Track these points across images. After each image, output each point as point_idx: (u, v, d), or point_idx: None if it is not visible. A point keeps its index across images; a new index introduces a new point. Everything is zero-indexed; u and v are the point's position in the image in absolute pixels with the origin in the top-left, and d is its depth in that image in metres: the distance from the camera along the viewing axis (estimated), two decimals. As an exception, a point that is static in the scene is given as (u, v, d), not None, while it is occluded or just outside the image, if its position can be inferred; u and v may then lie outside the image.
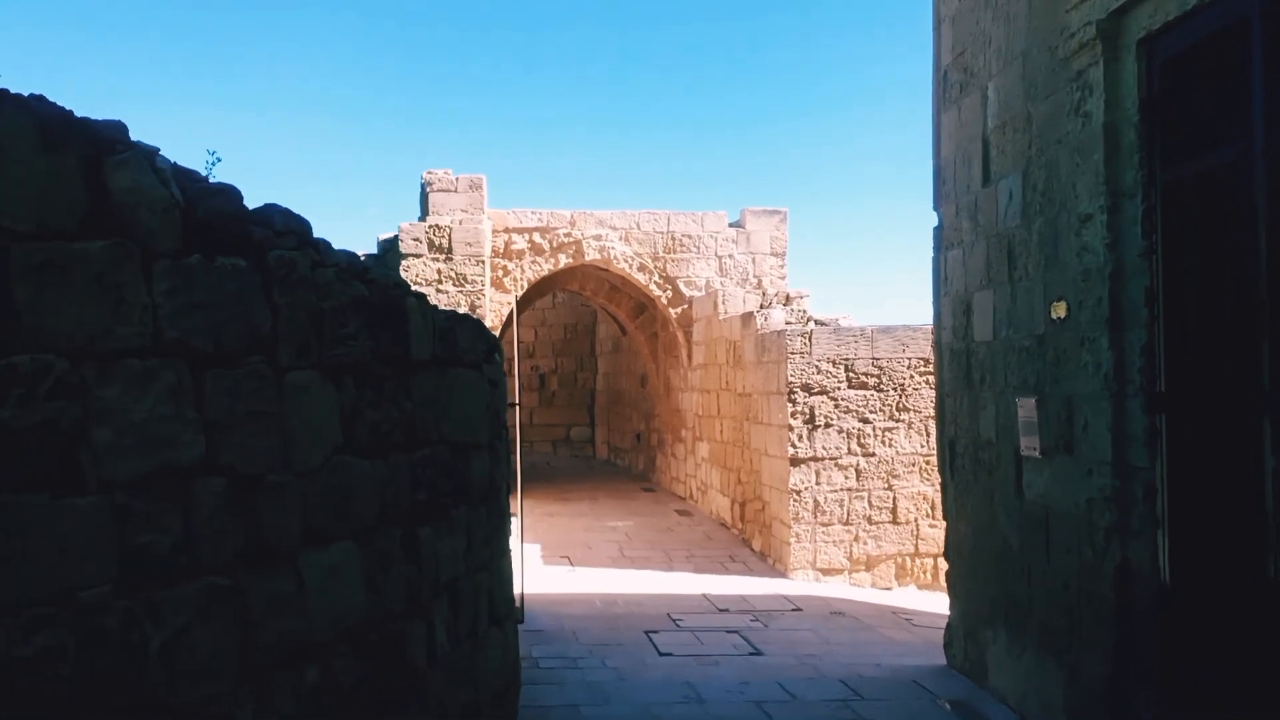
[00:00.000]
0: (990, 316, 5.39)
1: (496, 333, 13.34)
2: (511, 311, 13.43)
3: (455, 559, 3.80)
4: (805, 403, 9.40)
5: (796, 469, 9.39)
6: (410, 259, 8.88)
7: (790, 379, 9.40)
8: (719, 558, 10.19)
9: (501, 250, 13.76)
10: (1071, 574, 4.45)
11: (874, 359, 9.51)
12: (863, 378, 9.49)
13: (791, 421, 9.39)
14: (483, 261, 8.94)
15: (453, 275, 8.86)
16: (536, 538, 11.01)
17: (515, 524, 6.64)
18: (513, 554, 5.55)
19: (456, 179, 11.17)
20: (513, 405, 7.74)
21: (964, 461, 5.83)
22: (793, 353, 9.42)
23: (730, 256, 14.35)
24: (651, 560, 10.00)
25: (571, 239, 13.97)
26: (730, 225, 14.51)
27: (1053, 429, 4.64)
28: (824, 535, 9.39)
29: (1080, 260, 4.33)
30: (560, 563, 9.76)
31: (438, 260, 8.89)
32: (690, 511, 13.15)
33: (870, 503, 9.46)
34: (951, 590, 6.22)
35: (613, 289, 16.14)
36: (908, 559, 9.52)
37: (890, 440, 9.50)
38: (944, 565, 9.53)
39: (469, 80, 42.57)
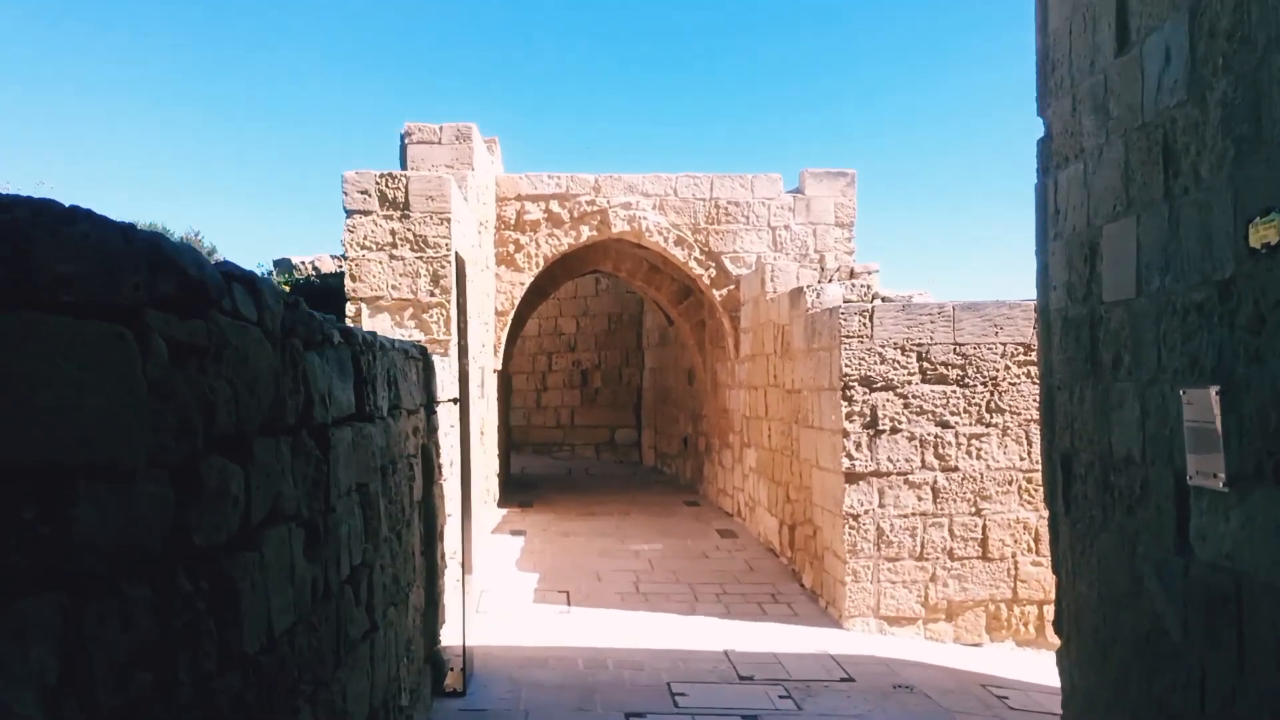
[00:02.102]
0: (1132, 260, 3.51)
1: (506, 319, 11.78)
2: (517, 296, 11.85)
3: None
4: (865, 401, 7.53)
5: (853, 486, 7.52)
6: (357, 217, 7.33)
7: (845, 370, 7.53)
8: (757, 597, 8.37)
9: (513, 221, 12.20)
10: (1297, 706, 2.57)
11: (956, 345, 7.57)
12: (941, 369, 7.56)
13: (847, 425, 7.52)
14: (447, 220, 7.31)
15: (409, 237, 7.28)
16: (538, 565, 9.38)
17: (499, 545, 4.99)
18: (476, 592, 3.88)
19: (440, 129, 9.62)
20: (456, 400, 6.10)
21: (1086, 489, 3.95)
22: (848, 336, 7.55)
23: (786, 227, 12.48)
24: (671, 599, 8.25)
25: (595, 208, 12.31)
26: (786, 192, 12.63)
27: (1251, 441, 2.77)
28: (889, 573, 7.50)
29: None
30: (555, 601, 8.09)
31: (391, 218, 7.31)
32: (735, 533, 11.33)
33: (952, 532, 7.53)
34: (1065, 677, 4.34)
35: (652, 269, 14.43)
36: (1002, 606, 7.56)
37: (978, 450, 7.55)
38: (1050, 613, 7.55)
39: (485, 33, 41.12)
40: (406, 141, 9.53)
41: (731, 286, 12.42)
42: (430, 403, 5.68)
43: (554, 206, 12.24)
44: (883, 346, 7.55)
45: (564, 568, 9.34)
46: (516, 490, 14.75)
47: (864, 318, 7.58)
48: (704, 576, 9.08)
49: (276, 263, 17.98)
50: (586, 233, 12.33)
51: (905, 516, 7.53)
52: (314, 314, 3.01)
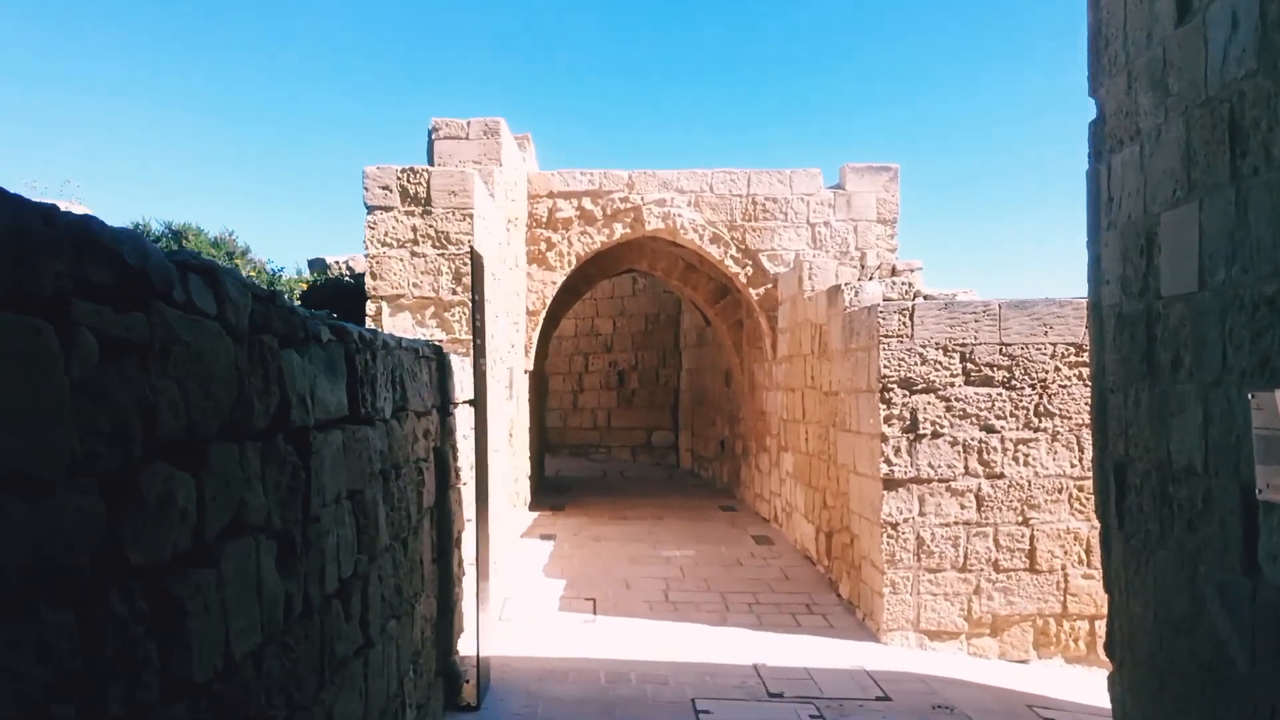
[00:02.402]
0: (1194, 250, 3.20)
1: (538, 318, 11.62)
2: (549, 295, 11.68)
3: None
4: (905, 404, 7.21)
5: (892, 493, 7.21)
6: (378, 213, 7.19)
7: (884, 371, 7.22)
8: (791, 607, 8.09)
9: (545, 219, 12.03)
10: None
11: (1002, 345, 7.22)
12: (986, 370, 7.21)
13: (885, 429, 7.21)
14: (470, 216, 7.14)
15: (431, 234, 7.12)
16: (566, 571, 9.19)
17: (511, 551, 4.77)
18: (494, 601, 3.69)
19: (468, 124, 9.47)
20: (469, 403, 5.92)
21: (1141, 501, 3.64)
22: (887, 335, 7.24)
23: (826, 224, 12.14)
24: (702, 608, 8.00)
25: (629, 205, 12.09)
26: (826, 187, 12.30)
27: (1335, 453, 2.46)
28: (930, 585, 7.17)
29: None
30: (581, 609, 7.89)
31: (413, 214, 7.17)
32: (771, 539, 11.04)
33: (997, 542, 7.18)
34: (1116, 704, 4.03)
35: (688, 268, 14.17)
36: (1051, 621, 7.19)
37: (1026, 456, 7.19)
38: (1102, 629, 7.19)
39: (520, 31, 41.06)
40: (434, 137, 9.40)
41: (769, 285, 12.13)
42: (445, 404, 5.50)
43: (586, 204, 12.05)
44: (924, 347, 7.23)
45: (592, 574, 9.13)
46: (550, 493, 14.59)
47: (904, 316, 7.26)
48: (736, 585, 8.81)
49: (311, 262, 17.99)
50: (620, 230, 12.12)
51: (947, 525, 7.20)
52: (296, 309, 2.83)
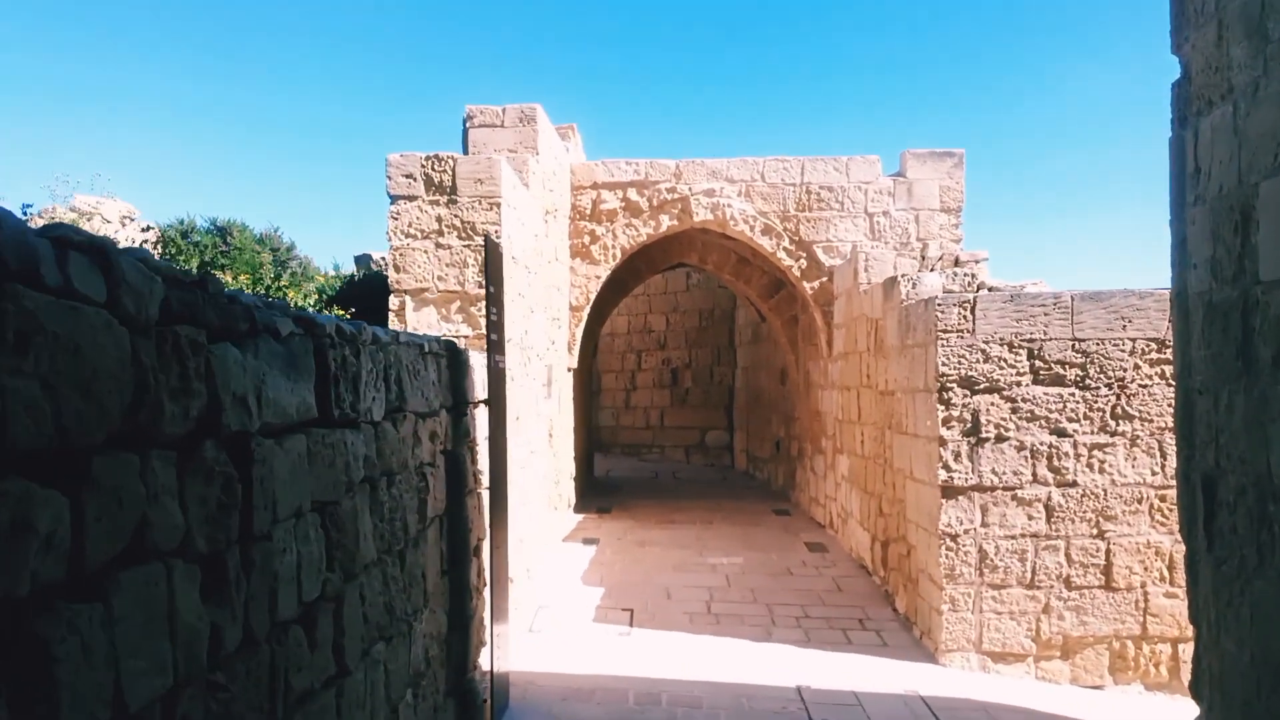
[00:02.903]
0: (1301, 223, 2.69)
1: (581, 314, 11.29)
2: (592, 290, 11.35)
3: None
4: (965, 404, 6.69)
5: (951, 502, 6.69)
6: (401, 203, 6.92)
7: (942, 369, 6.71)
8: (842, 622, 7.61)
9: (588, 211, 11.70)
10: None
11: (1075, 341, 6.65)
12: (1057, 368, 6.65)
13: (944, 432, 6.70)
14: (497, 205, 6.84)
15: (456, 225, 6.83)
16: (605, 579, 8.85)
17: (521, 560, 4.46)
18: (507, 613, 3.37)
19: (503, 111, 9.16)
20: (482, 403, 5.59)
21: (1235, 520, 3.13)
22: (946, 330, 6.72)
23: (885, 214, 11.58)
24: (746, 621, 7.58)
25: (676, 195, 11.69)
26: (885, 175, 11.73)
27: None
28: (994, 602, 6.64)
29: None
30: (616, 620, 7.53)
31: (438, 204, 6.88)
32: (825, 547, 10.55)
33: (1069, 556, 6.62)
34: (1206, 754, 3.51)
35: (741, 261, 13.72)
36: (1129, 643, 6.61)
37: (1101, 463, 6.62)
38: (1187, 653, 6.58)
39: (568, 17, 40.69)
40: (468, 126, 9.12)
41: (824, 279, 11.62)
42: (460, 404, 5.19)
43: (632, 195, 11.68)
44: (986, 342, 6.69)
45: (633, 582, 8.77)
46: (596, 494, 14.28)
47: (964, 309, 6.74)
48: (785, 596, 8.36)
49: (357, 258, 18.05)
50: (666, 222, 11.72)
51: (1013, 538, 6.65)
52: (237, 296, 2.51)
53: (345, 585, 3.24)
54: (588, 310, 11.71)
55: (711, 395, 19.06)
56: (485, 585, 5.67)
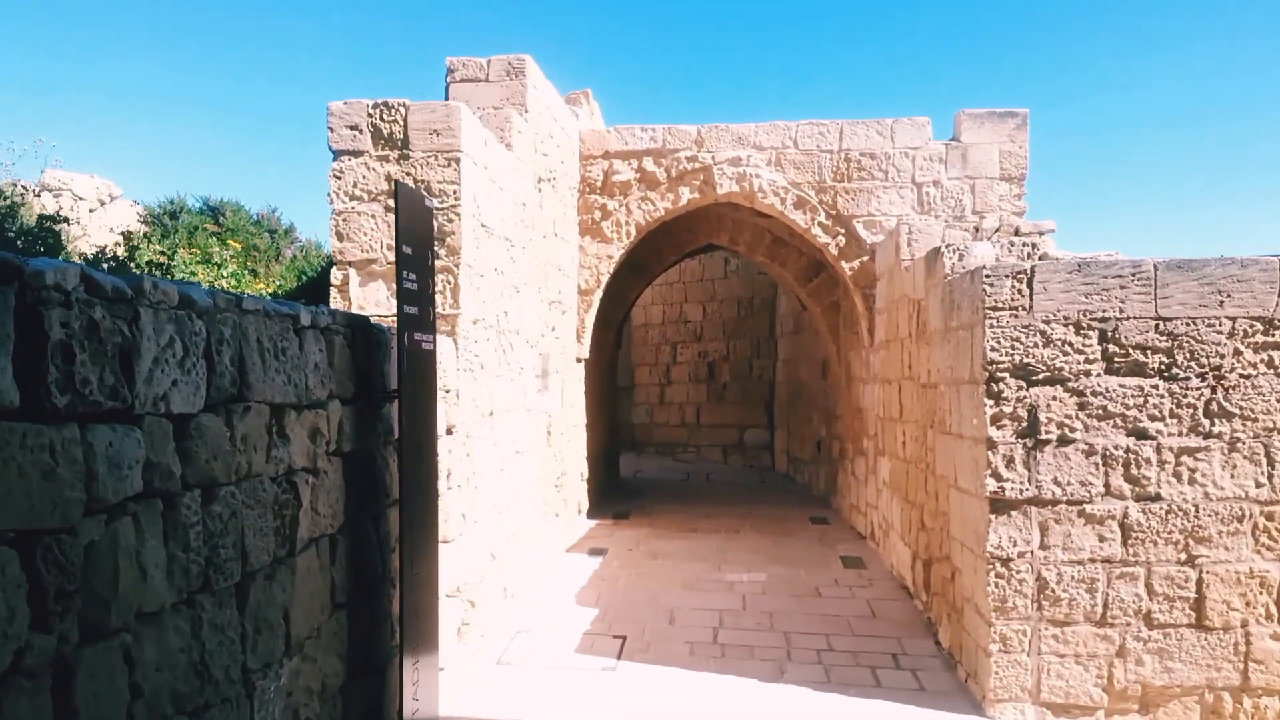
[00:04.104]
0: None
1: (591, 299, 10.34)
2: (603, 272, 10.41)
3: None
4: (1020, 399, 5.56)
5: (1002, 518, 5.57)
6: (345, 160, 6.01)
7: (991, 355, 5.59)
8: (873, 658, 6.53)
9: (599, 183, 10.72)
10: None
11: (1159, 320, 5.48)
12: (1136, 354, 5.49)
13: (993, 432, 5.58)
14: (456, 160, 5.89)
15: (410, 184, 5.89)
16: (603, 598, 7.88)
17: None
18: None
19: (488, 63, 8.21)
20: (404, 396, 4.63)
21: None
22: (997, 307, 5.59)
23: (935, 183, 10.39)
24: (755, 655, 6.54)
25: (697, 165, 10.65)
26: (936, 140, 10.54)
27: None
28: (1056, 642, 5.50)
29: None
30: (604, 650, 6.54)
31: (387, 160, 5.96)
32: (863, 562, 9.43)
33: (1150, 587, 5.46)
34: None
35: (776, 242, 12.62)
36: (1225, 695, 5.42)
37: (1192, 472, 5.44)
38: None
39: None
40: (449, 81, 8.21)
41: (865, 258, 10.48)
42: (373, 395, 4.25)
43: (648, 164, 10.67)
44: (1047, 322, 5.55)
45: (634, 602, 7.77)
46: (617, 498, 13.31)
47: (1019, 283, 5.60)
48: (807, 623, 7.29)
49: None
50: (686, 195, 10.69)
51: (1079, 563, 5.51)
52: None
53: (81, 649, 2.29)
54: (599, 294, 10.73)
55: (751, 390, 17.96)
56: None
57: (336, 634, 3.88)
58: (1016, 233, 8.31)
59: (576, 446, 10.69)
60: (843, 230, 10.53)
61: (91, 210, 11.40)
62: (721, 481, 15.82)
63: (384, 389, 4.40)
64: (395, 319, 5.03)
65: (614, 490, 14.03)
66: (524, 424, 7.98)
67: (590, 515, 11.66)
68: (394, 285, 6.03)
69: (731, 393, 18.29)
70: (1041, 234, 8.35)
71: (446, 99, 8.22)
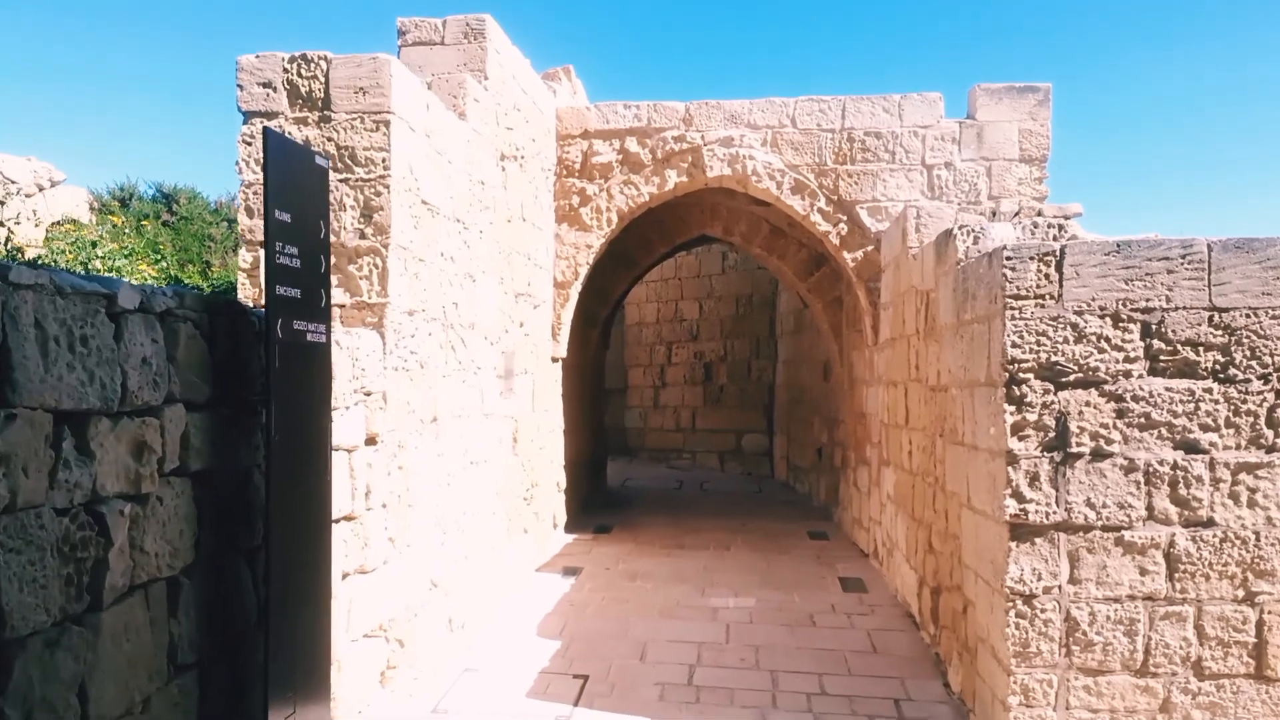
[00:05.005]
0: None
1: (568, 292, 9.58)
2: (581, 262, 9.64)
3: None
4: (1047, 404, 4.75)
5: (1024, 546, 4.75)
6: (256, 122, 5.24)
7: (1012, 352, 4.78)
8: (872, 703, 5.72)
9: (577, 165, 9.92)
10: None
11: (1214, 311, 4.67)
12: (1185, 351, 4.67)
13: (1015, 444, 4.76)
14: (385, 123, 5.10)
15: (331, 152, 5.12)
16: (569, 628, 7.09)
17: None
18: None
19: (443, 24, 7.41)
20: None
21: None
22: (1019, 295, 4.79)
23: (947, 165, 9.58)
24: (736, 699, 5.74)
25: (685, 145, 9.85)
26: (949, 118, 9.72)
27: None
28: (1088, 694, 4.69)
29: None
30: (560, 695, 5.74)
31: (305, 123, 5.18)
32: (865, 585, 8.62)
33: (1200, 630, 4.64)
34: None
35: (774, 233, 11.82)
36: (1293, 761, 4.59)
37: (1253, 492, 4.62)
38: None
39: None
40: (401, 44, 7.42)
41: (869, 248, 9.67)
42: (245, 398, 3.46)
43: (631, 145, 9.87)
44: (1080, 313, 4.74)
45: (603, 634, 6.98)
46: (601, 509, 12.51)
47: (1046, 266, 4.79)
48: (798, 659, 6.48)
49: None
50: (674, 179, 9.89)
51: (1116, 601, 4.69)
52: None
53: None
54: (577, 287, 9.93)
55: (749, 393, 17.14)
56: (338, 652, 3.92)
57: (179, 704, 3.10)
58: (1039, 216, 7.51)
59: (551, 454, 9.90)
60: (845, 217, 9.72)
61: (29, 196, 10.65)
62: (716, 491, 15.01)
63: (228, 390, 3.62)
64: (353, 311, 4.26)
65: (598, 501, 13.23)
66: (482, 431, 7.19)
67: (569, 529, 10.86)
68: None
69: (729, 395, 17.48)
70: (1068, 218, 7.54)
71: (396, 65, 7.43)
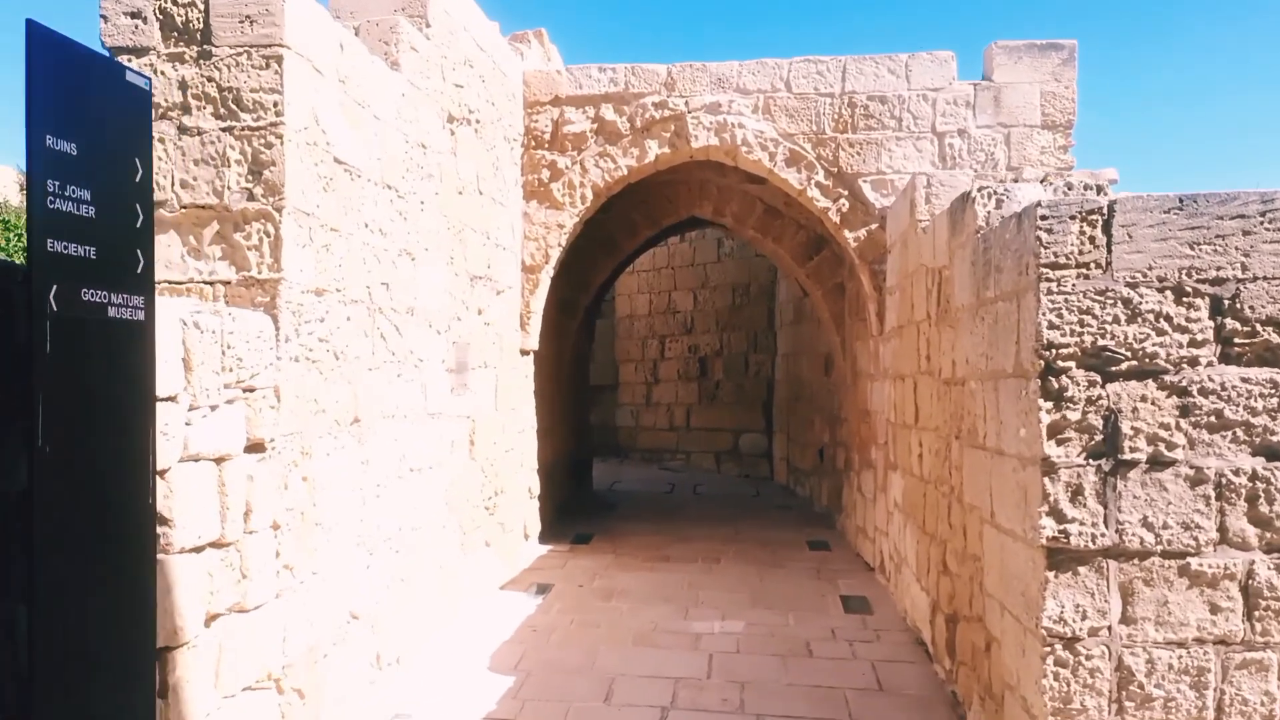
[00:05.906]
0: None
1: (537, 277, 8.72)
2: (552, 244, 8.77)
3: None
4: (1093, 399, 3.85)
5: (1065, 577, 3.87)
6: (123, 59, 4.36)
7: (1048, 334, 3.88)
8: (876, 760, 4.83)
9: (548, 136, 9.04)
10: None
11: (1298, 282, 3.77)
12: (1265, 333, 3.78)
13: (1052, 448, 3.87)
14: (278, 59, 4.22)
15: (212, 95, 4.28)
16: (526, 661, 6.23)
17: None
18: None
19: (378, -38, 6.55)
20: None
21: None
22: (1056, 264, 3.89)
23: (960, 132, 8.68)
24: (715, 754, 4.85)
25: (667, 113, 8.96)
26: (962, 80, 8.82)
27: None
28: (1145, 763, 3.80)
29: None
30: (502, 748, 4.86)
31: (182, 60, 4.31)
32: (870, 604, 7.74)
33: (1287, 681, 3.75)
34: None
35: (769, 213, 10.93)
36: (1404, 845, 3.70)
37: (1352, 509, 3.73)
38: None
39: None
40: (333, -12, 6.54)
41: (873, 225, 8.77)
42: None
43: (606, 113, 8.98)
44: (1133, 285, 3.85)
45: (565, 667, 6.10)
46: (583, 516, 11.64)
47: (1091, 227, 3.89)
48: (790, 700, 5.60)
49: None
50: (655, 150, 8.99)
51: (1180, 645, 3.81)
52: None
53: None
54: (548, 271, 9.04)
55: (747, 390, 16.25)
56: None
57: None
58: (1068, 188, 6.61)
59: (521, 457, 9.02)
60: (845, 191, 8.82)
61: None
62: (710, 495, 14.12)
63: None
64: (240, 288, 3.36)
65: (580, 506, 12.35)
66: (426, 433, 6.32)
67: (544, 540, 9.99)
68: (190, 237, 4.37)
69: (725, 392, 16.59)
70: (1100, 185, 6.63)
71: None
